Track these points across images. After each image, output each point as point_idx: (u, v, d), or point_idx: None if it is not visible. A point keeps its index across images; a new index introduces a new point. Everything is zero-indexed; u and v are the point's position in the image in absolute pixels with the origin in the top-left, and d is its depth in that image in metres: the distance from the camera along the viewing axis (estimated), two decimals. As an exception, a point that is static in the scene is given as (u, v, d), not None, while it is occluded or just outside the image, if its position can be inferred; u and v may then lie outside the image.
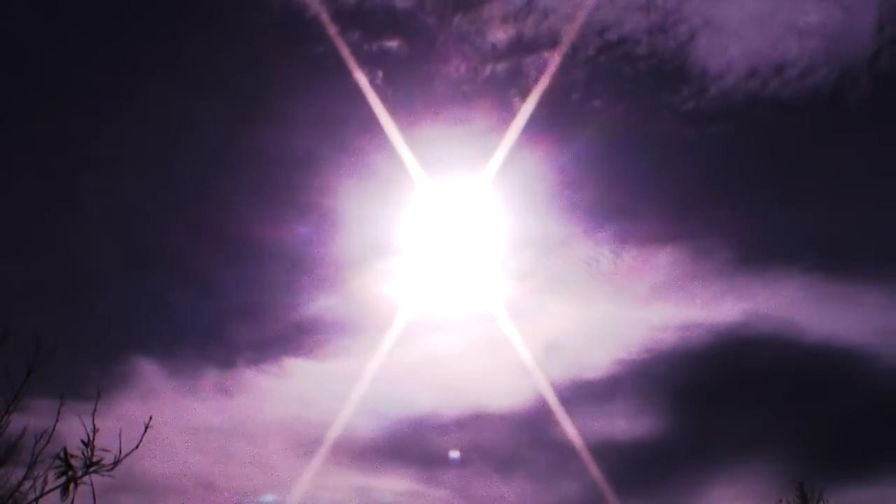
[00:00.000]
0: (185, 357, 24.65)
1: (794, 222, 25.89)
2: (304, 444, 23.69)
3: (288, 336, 25.69)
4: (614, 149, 24.97)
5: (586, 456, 22.30)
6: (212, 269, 25.68)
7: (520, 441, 24.86)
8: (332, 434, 23.19)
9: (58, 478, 8.41)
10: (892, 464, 22.27)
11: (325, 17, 22.98)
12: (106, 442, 8.81)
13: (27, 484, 8.77)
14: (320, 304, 25.74)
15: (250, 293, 26.03)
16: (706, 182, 25.68)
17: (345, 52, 22.61)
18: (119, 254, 25.34)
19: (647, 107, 24.97)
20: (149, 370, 22.97)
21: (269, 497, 21.70)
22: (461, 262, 24.97)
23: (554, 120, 24.26)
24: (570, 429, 23.13)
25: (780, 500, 17.57)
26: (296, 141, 24.80)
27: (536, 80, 23.92)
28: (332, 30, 22.97)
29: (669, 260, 25.24)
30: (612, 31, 23.66)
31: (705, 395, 25.13)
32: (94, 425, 8.75)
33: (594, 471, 22.04)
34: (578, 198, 24.69)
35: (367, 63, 23.16)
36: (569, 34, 23.86)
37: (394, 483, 23.48)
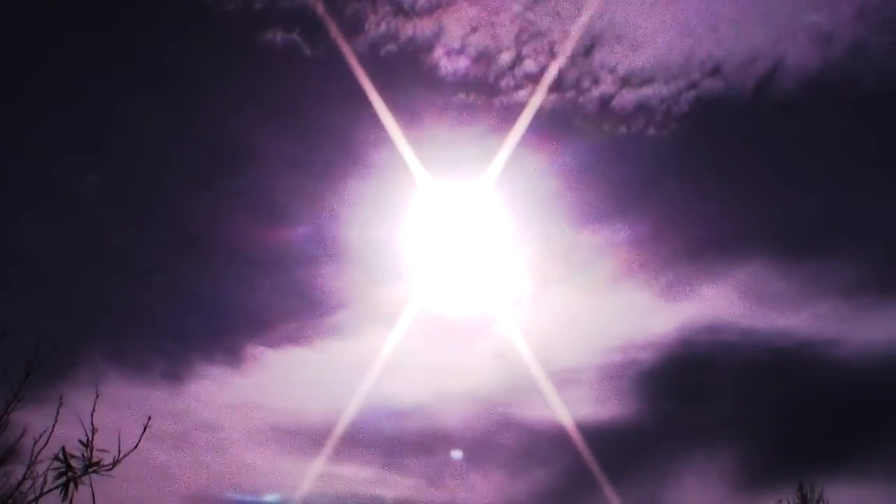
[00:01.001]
0: (137, 348, 24.43)
1: (750, 199, 24.83)
2: (265, 433, 23.74)
3: (251, 327, 25.50)
4: (557, 119, 24.10)
5: (558, 443, 22.43)
6: (176, 266, 25.45)
7: (489, 429, 24.76)
8: (295, 422, 23.27)
9: (57, 478, 8.46)
10: (857, 451, 22.28)
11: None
12: (101, 442, 8.89)
13: (27, 483, 8.83)
14: (303, 299, 25.62)
15: (201, 284, 25.64)
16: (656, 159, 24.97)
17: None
18: (70, 249, 25.08)
19: (582, 67, 23.75)
20: (98, 360, 22.90)
21: (271, 496, 21.75)
22: (441, 255, 24.79)
23: (485, 84, 23.55)
24: (541, 416, 23.24)
25: (780, 500, 17.40)
26: (265, 132, 24.52)
27: (461, 37, 23.29)
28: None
29: (634, 245, 24.88)
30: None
31: (673, 383, 24.97)
32: (93, 425, 8.82)
33: (565, 458, 22.19)
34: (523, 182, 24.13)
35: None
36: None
37: (358, 471, 23.42)
